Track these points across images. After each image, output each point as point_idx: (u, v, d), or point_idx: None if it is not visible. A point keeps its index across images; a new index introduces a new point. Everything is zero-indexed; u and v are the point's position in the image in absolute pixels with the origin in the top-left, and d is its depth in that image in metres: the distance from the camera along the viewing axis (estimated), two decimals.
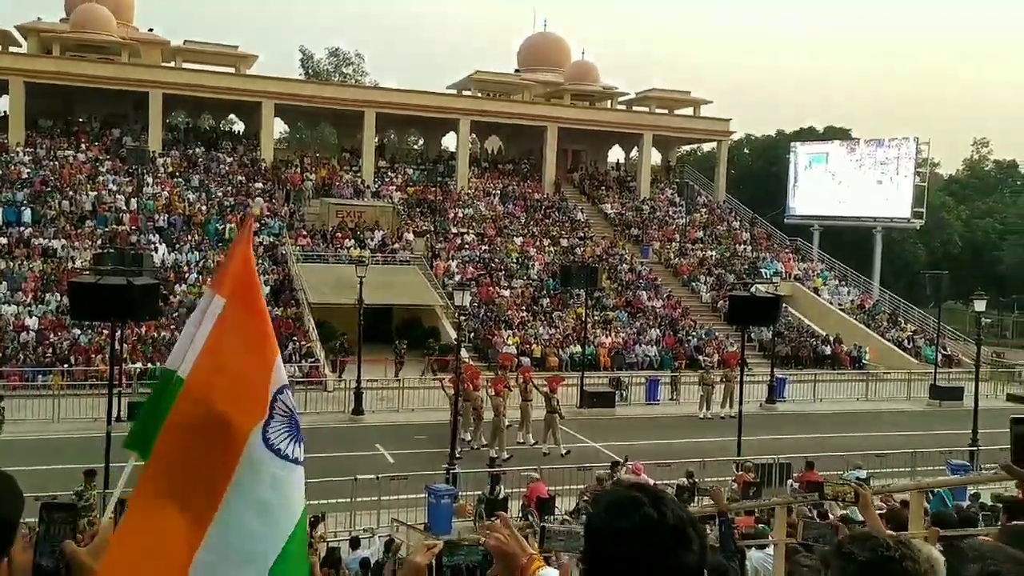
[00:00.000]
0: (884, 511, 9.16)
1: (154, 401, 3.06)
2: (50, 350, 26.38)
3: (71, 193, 35.07)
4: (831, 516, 10.81)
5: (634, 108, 51.49)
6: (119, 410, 20.40)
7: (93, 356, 26.28)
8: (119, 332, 17.29)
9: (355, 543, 12.45)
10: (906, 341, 37.97)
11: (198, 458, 2.80)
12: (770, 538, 6.95)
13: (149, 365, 26.31)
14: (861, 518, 10.17)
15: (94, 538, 2.06)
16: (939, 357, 34.19)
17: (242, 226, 3.31)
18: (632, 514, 1.78)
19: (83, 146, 39.14)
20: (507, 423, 21.26)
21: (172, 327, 28.37)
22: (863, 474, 17.15)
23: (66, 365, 25.77)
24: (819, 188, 47.71)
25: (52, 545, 1.96)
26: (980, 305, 25.92)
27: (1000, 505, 10.29)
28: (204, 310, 3.04)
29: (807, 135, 57.10)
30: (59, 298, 28.58)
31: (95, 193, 35.29)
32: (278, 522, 2.88)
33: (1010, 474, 3.07)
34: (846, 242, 49.44)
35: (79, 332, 27.23)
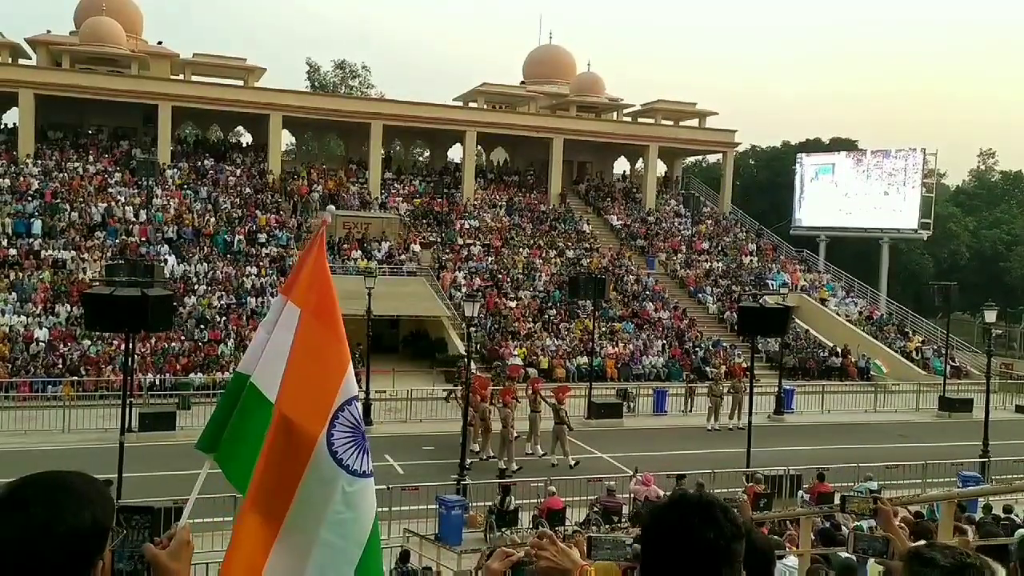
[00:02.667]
0: (901, 521, 9.18)
1: (227, 404, 3.14)
2: (60, 361, 26.48)
3: (81, 205, 35.28)
4: (844, 528, 10.82)
5: (640, 120, 51.63)
6: (130, 421, 20.49)
7: (103, 367, 26.38)
8: (132, 343, 17.35)
9: None
10: (914, 352, 37.91)
11: (275, 467, 2.90)
12: (788, 548, 6.97)
13: (160, 376, 26.41)
14: (870, 529, 10.18)
15: (171, 539, 2.09)
16: (948, 368, 34.12)
17: (316, 232, 3.40)
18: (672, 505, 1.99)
19: (92, 158, 39.37)
20: (515, 434, 21.26)
21: (182, 338, 28.50)
22: (875, 485, 17.14)
23: (76, 376, 25.85)
24: (825, 199, 47.72)
25: (131, 549, 1.99)
26: (991, 316, 25.86)
27: (1015, 517, 10.30)
28: (278, 314, 3.12)
29: (813, 146, 57.12)
30: (69, 309, 28.72)
31: (104, 205, 35.48)
32: (353, 535, 2.97)
33: None
34: (853, 253, 49.41)
35: (89, 343, 27.34)
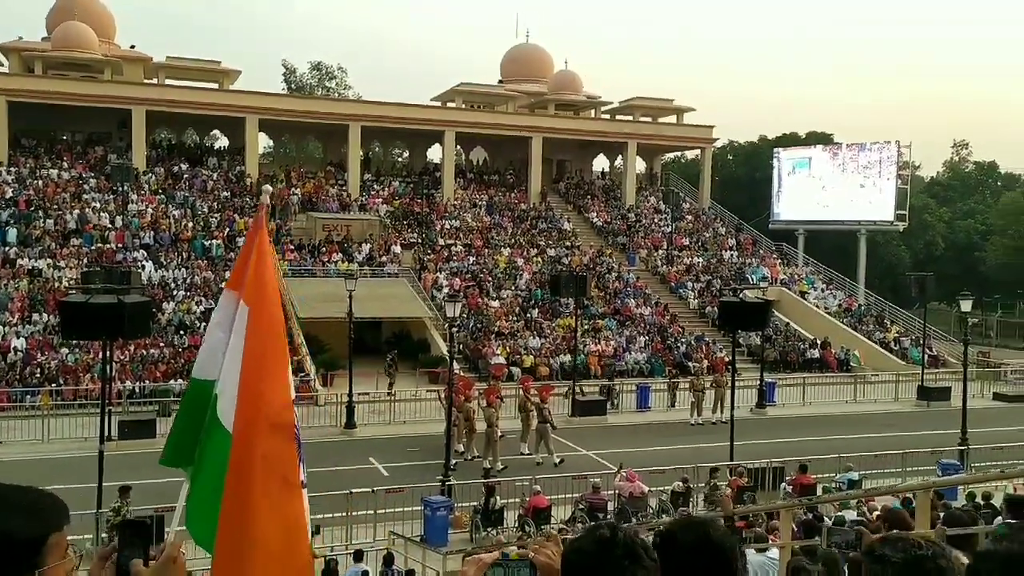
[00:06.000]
0: (879, 511, 9.28)
1: (187, 411, 3.12)
2: (38, 370, 26.19)
3: (56, 212, 34.90)
4: (826, 519, 10.92)
5: (618, 117, 51.76)
6: (110, 429, 20.31)
7: (81, 375, 26.11)
8: (110, 351, 17.20)
9: (358, 556, 12.43)
10: (892, 343, 38.27)
11: (271, 463, 2.92)
12: (771, 540, 7.02)
13: (139, 384, 26.18)
14: (854, 518, 10.28)
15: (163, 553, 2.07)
16: (925, 358, 34.48)
17: (255, 217, 3.35)
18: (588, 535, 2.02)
19: (67, 164, 38.96)
20: (500, 434, 21.26)
21: (162, 344, 28.26)
22: (855, 476, 17.31)
23: (54, 385, 25.58)
24: (803, 193, 48.08)
25: (122, 564, 1.98)
26: (966, 305, 26.16)
27: (999, 505, 10.42)
28: (231, 316, 3.09)
29: (790, 140, 57.56)
30: (46, 318, 28.41)
31: (79, 211, 35.12)
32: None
33: None
34: (831, 246, 49.82)
35: (67, 351, 27.07)
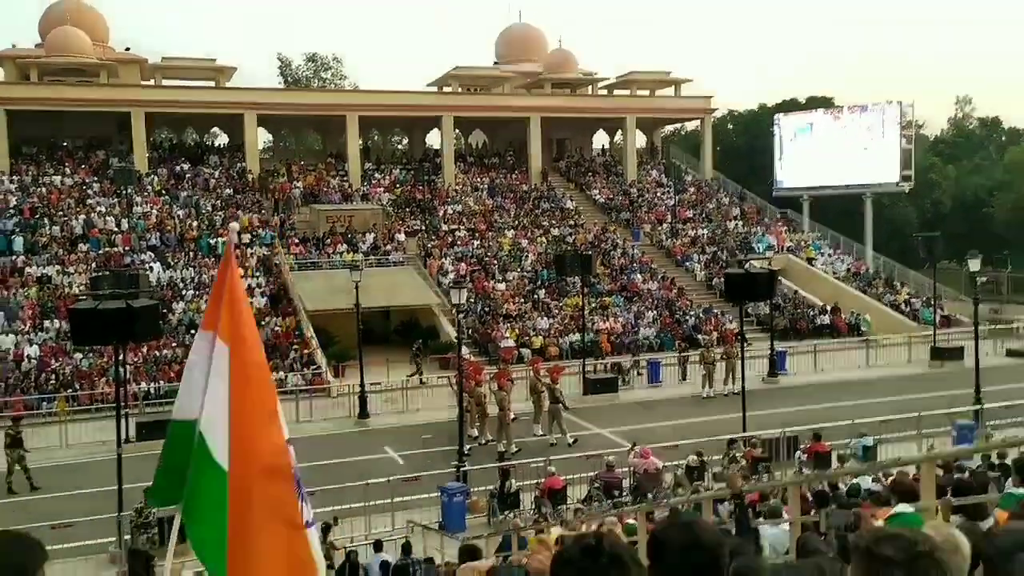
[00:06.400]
0: (893, 476, 9.28)
1: (171, 453, 3.14)
2: (53, 376, 26.40)
3: (61, 218, 35.03)
4: (841, 485, 10.95)
5: (615, 92, 51.50)
6: (127, 432, 20.49)
7: (96, 379, 26.31)
8: (121, 355, 17.33)
9: (378, 546, 12.55)
10: (903, 304, 38.16)
11: (271, 508, 2.97)
12: (785, 515, 7.05)
13: (154, 384, 26.38)
14: (869, 486, 10.30)
15: None
16: (937, 319, 34.37)
17: (224, 254, 3.34)
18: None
19: (69, 170, 39.05)
20: (513, 416, 21.35)
21: (174, 345, 28.44)
22: (870, 441, 17.35)
23: (70, 390, 25.79)
24: (806, 158, 47.77)
25: None
26: (975, 265, 26.02)
27: (1010, 463, 10.42)
28: (208, 357, 3.10)
29: (790, 106, 57.08)
30: (58, 324, 28.59)
31: (85, 216, 35.24)
32: None
33: None
34: (836, 210, 49.55)
35: (80, 356, 27.26)
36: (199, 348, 3.21)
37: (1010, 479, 7.91)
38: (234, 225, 4.00)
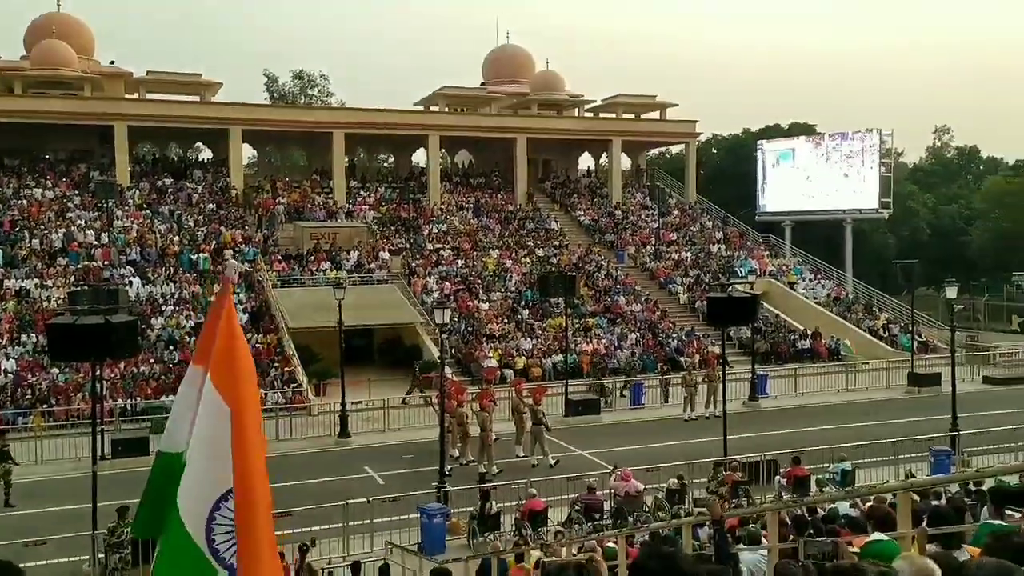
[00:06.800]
0: (866, 509, 9.35)
1: (157, 485, 3.13)
2: (29, 391, 26.07)
3: (41, 231, 34.74)
4: (819, 510, 10.99)
5: (601, 115, 51.87)
6: (103, 448, 20.26)
7: (73, 395, 26.00)
8: (99, 371, 17.16)
9: (356, 568, 12.45)
10: (882, 330, 38.47)
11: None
12: (764, 541, 7.07)
13: (131, 401, 26.10)
14: (848, 512, 10.35)
15: None
16: (915, 345, 34.66)
17: (220, 293, 3.32)
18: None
19: (50, 183, 38.78)
20: (494, 437, 21.28)
21: (152, 361, 28.18)
22: (848, 466, 17.43)
23: (46, 406, 25.47)
24: (788, 184, 48.29)
25: None
26: (951, 292, 26.30)
27: (986, 491, 10.49)
28: (198, 390, 3.10)
29: (773, 132, 57.76)
30: (35, 339, 28.28)
31: (65, 230, 34.97)
32: None
33: None
34: (817, 236, 50.03)
35: (57, 371, 26.96)
36: (189, 380, 3.21)
37: (986, 507, 7.99)
38: (233, 263, 3.99)
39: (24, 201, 36.77)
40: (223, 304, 3.28)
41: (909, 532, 3.97)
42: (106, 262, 33.57)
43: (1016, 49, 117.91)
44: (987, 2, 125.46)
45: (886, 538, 3.65)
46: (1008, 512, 5.24)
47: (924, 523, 4.37)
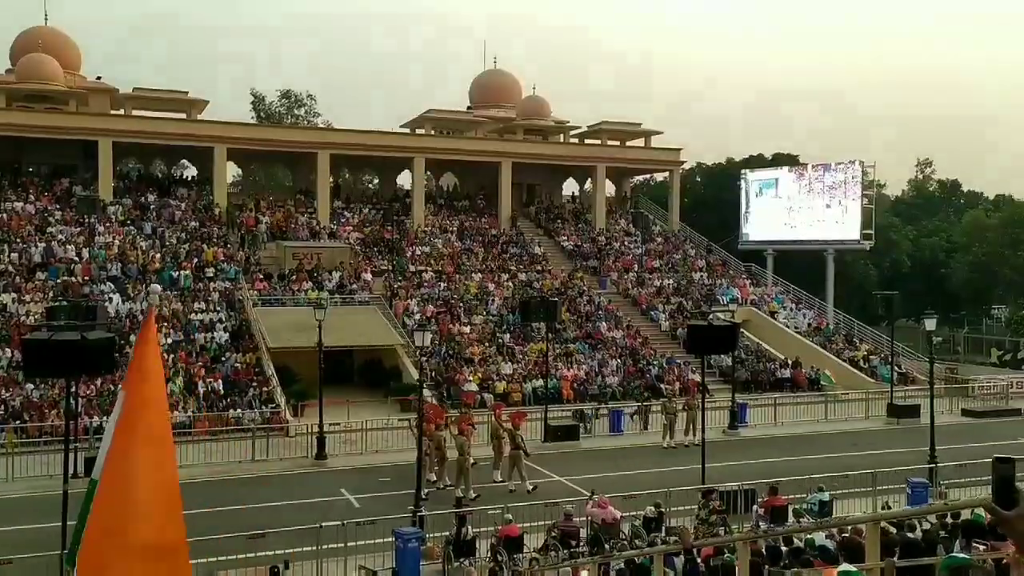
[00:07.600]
0: (840, 540, 9.34)
1: (83, 514, 3.16)
2: (2, 407, 25.70)
3: (21, 245, 34.43)
4: (795, 540, 10.98)
5: (586, 141, 52.21)
6: (75, 466, 19.98)
7: (47, 411, 25.65)
8: (74, 388, 16.94)
9: None
10: (862, 361, 38.65)
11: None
12: (738, 572, 7.04)
13: (105, 419, 25.75)
14: (823, 542, 10.35)
15: None
16: (894, 376, 34.85)
17: (144, 321, 3.42)
18: None
19: (32, 197, 38.49)
20: (472, 462, 21.15)
21: None
22: (826, 496, 17.41)
23: (19, 422, 25.11)
24: (770, 214, 48.64)
25: None
26: (931, 324, 26.47)
27: (959, 523, 10.53)
28: (119, 411, 3.19)
29: (756, 162, 58.29)
30: (11, 354, 27.93)
31: (45, 244, 34.68)
32: None
33: (991, 514, 3.17)
34: (799, 266, 50.37)
35: (32, 387, 26.60)
36: (116, 407, 3.29)
37: (958, 540, 8.00)
38: (155, 287, 4.07)
39: (5, 215, 36.45)
40: (147, 331, 3.40)
41: (877, 564, 3.96)
42: (86, 278, 33.28)
43: (997, 89, 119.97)
44: (970, 42, 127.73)
45: (854, 569, 3.64)
46: (974, 545, 5.24)
47: (896, 555, 4.36)
